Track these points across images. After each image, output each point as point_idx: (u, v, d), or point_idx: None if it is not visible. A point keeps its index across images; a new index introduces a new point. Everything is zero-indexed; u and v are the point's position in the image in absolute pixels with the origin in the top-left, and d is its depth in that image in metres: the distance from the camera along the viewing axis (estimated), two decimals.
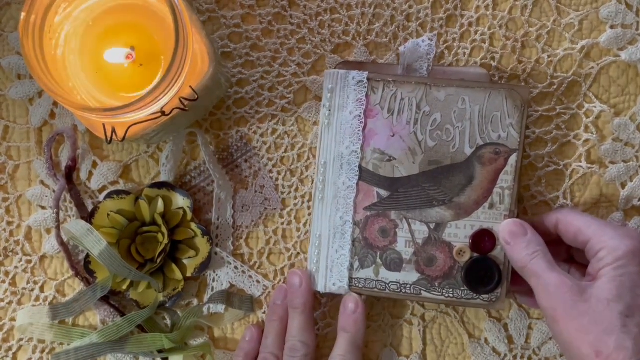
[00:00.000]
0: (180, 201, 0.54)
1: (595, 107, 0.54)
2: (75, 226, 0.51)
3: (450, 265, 0.51)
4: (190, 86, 0.46)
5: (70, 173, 0.54)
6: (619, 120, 0.54)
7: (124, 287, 0.53)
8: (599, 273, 0.45)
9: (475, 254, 0.51)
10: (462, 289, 0.51)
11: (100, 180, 0.55)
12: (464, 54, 0.54)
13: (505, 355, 0.55)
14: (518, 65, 0.54)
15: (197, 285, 0.55)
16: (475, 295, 0.51)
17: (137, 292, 0.54)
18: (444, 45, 0.54)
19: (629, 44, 0.54)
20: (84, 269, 0.54)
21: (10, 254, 0.55)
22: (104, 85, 0.47)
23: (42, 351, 0.55)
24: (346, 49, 0.55)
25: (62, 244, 0.54)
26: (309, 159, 0.55)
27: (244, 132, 0.55)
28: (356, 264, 0.52)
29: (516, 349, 0.55)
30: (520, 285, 0.51)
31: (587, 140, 0.54)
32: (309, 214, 0.55)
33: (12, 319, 0.55)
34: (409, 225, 0.51)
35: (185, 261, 0.54)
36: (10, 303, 0.55)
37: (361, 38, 0.55)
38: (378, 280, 0.52)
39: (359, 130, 0.52)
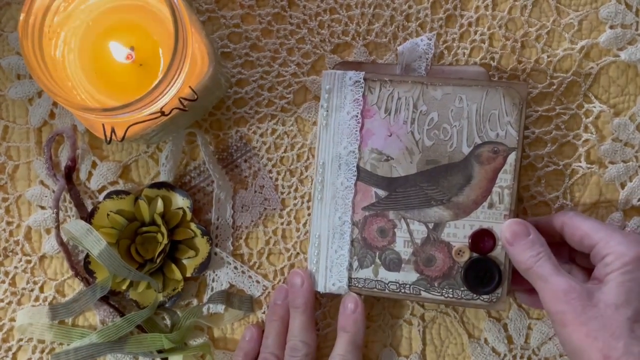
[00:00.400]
0: (180, 201, 0.54)
1: (594, 107, 0.54)
2: (74, 226, 0.51)
3: (449, 265, 0.51)
4: (190, 86, 0.46)
5: (69, 173, 0.54)
6: (619, 120, 0.54)
7: (124, 287, 0.53)
8: (605, 278, 0.45)
9: (475, 254, 0.51)
10: (462, 289, 0.51)
11: (100, 180, 0.55)
12: (464, 54, 0.54)
13: (505, 355, 0.55)
14: (517, 65, 0.54)
15: (196, 285, 0.55)
16: (475, 295, 0.51)
17: (137, 292, 0.54)
18: (444, 46, 0.54)
19: (628, 44, 0.54)
20: (84, 269, 0.54)
21: (10, 254, 0.55)
22: (104, 85, 0.47)
23: (42, 351, 0.55)
24: (346, 49, 0.55)
25: (61, 244, 0.54)
26: (308, 159, 0.55)
27: (244, 132, 0.55)
28: (355, 264, 0.52)
29: (516, 349, 0.55)
30: (520, 285, 0.51)
31: (586, 140, 0.54)
32: (309, 214, 0.55)
33: (12, 319, 0.55)
34: (408, 225, 0.51)
35: (184, 261, 0.54)
36: (9, 303, 0.55)
37: (361, 38, 0.55)
38: (377, 280, 0.52)
39: (356, 131, 0.52)
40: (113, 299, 0.55)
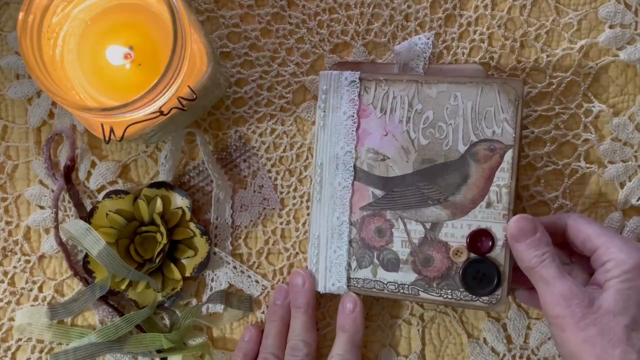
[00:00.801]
0: (179, 201, 0.54)
1: (594, 106, 0.54)
2: (74, 226, 0.51)
3: (447, 265, 0.51)
4: (189, 86, 0.46)
5: (68, 173, 0.54)
6: (618, 119, 0.54)
7: (123, 286, 0.53)
8: (605, 284, 0.45)
9: (473, 255, 0.50)
10: (461, 290, 0.50)
11: (99, 180, 0.55)
12: (463, 53, 0.54)
13: (504, 355, 0.55)
14: (517, 64, 0.54)
15: (195, 285, 0.55)
16: (474, 297, 0.50)
17: (136, 291, 0.54)
18: (443, 45, 0.54)
19: (627, 44, 0.54)
20: (83, 268, 0.54)
21: (9, 253, 0.55)
22: (102, 84, 0.47)
23: (41, 351, 0.55)
24: (345, 48, 0.55)
25: (60, 243, 0.54)
26: (307, 158, 0.55)
27: (243, 132, 0.55)
28: (354, 264, 0.52)
29: (515, 349, 0.55)
30: (521, 284, 0.51)
31: (585, 140, 0.54)
32: (308, 214, 0.55)
33: (11, 319, 0.55)
34: (405, 225, 0.51)
35: (184, 261, 0.54)
36: (8, 303, 0.55)
37: (360, 38, 0.55)
38: (376, 281, 0.52)
39: (352, 131, 0.52)
40: (112, 299, 0.55)
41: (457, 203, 0.50)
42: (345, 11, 0.54)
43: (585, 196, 0.54)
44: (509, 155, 0.50)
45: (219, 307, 0.55)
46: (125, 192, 0.54)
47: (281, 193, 0.55)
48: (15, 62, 0.55)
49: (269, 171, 0.55)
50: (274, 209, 0.55)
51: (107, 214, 0.53)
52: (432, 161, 0.51)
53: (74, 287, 0.55)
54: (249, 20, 0.55)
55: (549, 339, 0.55)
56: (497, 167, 0.50)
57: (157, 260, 0.52)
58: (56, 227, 0.54)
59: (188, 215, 0.54)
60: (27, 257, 0.55)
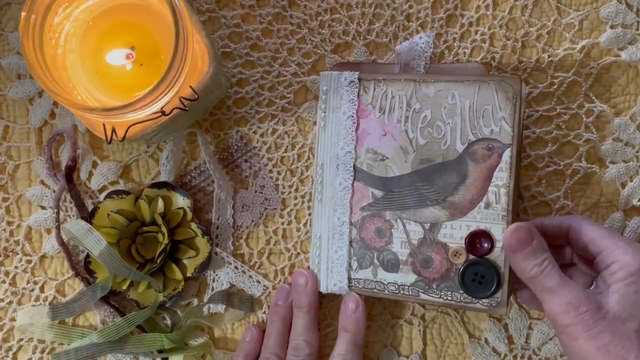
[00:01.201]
0: (181, 201, 0.54)
1: (595, 106, 0.54)
2: (75, 226, 0.51)
3: (447, 267, 0.50)
4: (190, 86, 0.46)
5: (70, 173, 0.54)
6: (619, 120, 0.54)
7: (124, 287, 0.53)
8: (610, 288, 0.44)
9: (472, 256, 0.49)
10: (460, 292, 0.50)
11: (100, 180, 0.55)
12: (464, 53, 0.54)
13: (505, 355, 0.55)
14: (518, 65, 0.54)
15: (197, 285, 0.55)
16: (474, 299, 0.49)
17: (137, 292, 0.54)
18: (444, 45, 0.54)
19: (629, 44, 0.54)
20: (84, 269, 0.54)
21: (10, 253, 0.55)
22: (104, 85, 0.47)
23: (42, 351, 0.55)
24: (346, 48, 0.55)
25: (62, 244, 0.54)
26: (309, 158, 0.55)
27: (244, 132, 0.55)
28: (355, 265, 0.52)
29: (516, 349, 0.55)
30: (522, 284, 0.50)
31: (587, 140, 0.54)
32: (309, 214, 0.55)
33: (12, 319, 0.55)
34: (404, 225, 0.51)
35: (185, 261, 0.54)
36: (10, 303, 0.55)
37: (361, 38, 0.55)
38: (377, 281, 0.52)
39: (352, 131, 0.52)
40: (113, 299, 0.55)
41: (455, 203, 0.50)
42: (346, 11, 0.54)
43: (586, 196, 0.54)
44: (507, 155, 0.49)
45: (220, 308, 0.55)
46: (127, 192, 0.54)
47: (282, 193, 0.55)
48: (16, 62, 0.55)
49: (271, 171, 0.55)
50: (275, 209, 0.55)
51: (108, 214, 0.53)
52: (431, 161, 0.50)
53: (75, 287, 0.55)
54: (251, 21, 0.55)
55: (551, 339, 0.55)
56: (496, 166, 0.49)
57: (159, 261, 0.52)
58: (57, 228, 0.54)
59: (189, 215, 0.54)
60: (29, 258, 0.55)
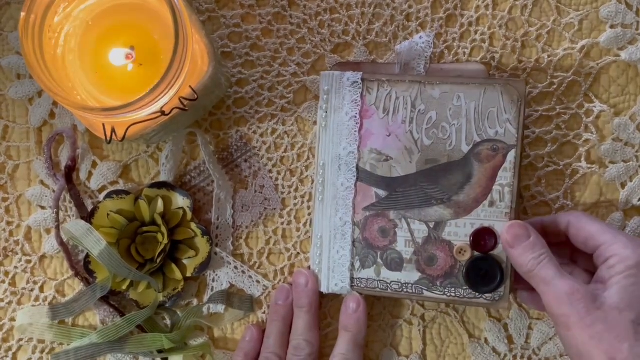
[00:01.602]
0: (180, 201, 0.54)
1: (595, 106, 0.54)
2: (75, 226, 0.51)
3: (451, 264, 0.51)
4: (190, 86, 0.46)
5: (69, 173, 0.54)
6: (619, 120, 0.54)
7: (124, 287, 0.53)
8: (609, 281, 0.45)
9: (477, 253, 0.51)
10: (464, 288, 0.51)
11: (100, 180, 0.55)
12: (464, 53, 0.54)
13: (505, 355, 0.55)
14: (518, 65, 0.54)
15: (196, 285, 0.55)
16: (477, 294, 0.51)
17: (137, 292, 0.54)
18: (444, 45, 0.54)
19: (629, 44, 0.54)
20: (84, 269, 0.54)
21: (10, 254, 0.55)
22: (104, 84, 0.47)
23: (42, 351, 0.55)
24: (346, 48, 0.55)
25: (61, 244, 0.54)
26: (308, 158, 0.55)
27: (244, 132, 0.55)
28: (357, 264, 0.52)
29: (516, 349, 0.55)
30: (522, 284, 0.51)
31: (587, 140, 0.54)
32: (309, 214, 0.55)
33: (12, 319, 0.55)
34: (408, 224, 0.51)
35: (185, 261, 0.54)
36: (10, 303, 0.55)
37: (361, 38, 0.55)
38: (380, 280, 0.52)
39: (355, 131, 0.52)
40: (113, 299, 0.55)
41: (460, 202, 0.51)
42: (346, 11, 0.54)
43: (586, 197, 0.54)
44: (511, 155, 0.50)
45: (220, 308, 0.55)
46: (127, 192, 0.54)
47: (282, 193, 0.55)
48: (16, 62, 0.55)
49: (270, 171, 0.55)
50: (275, 209, 0.55)
51: (108, 214, 0.53)
52: (436, 161, 0.51)
53: (75, 287, 0.55)
54: (250, 20, 0.55)
55: (551, 339, 0.55)
56: (500, 166, 0.50)
57: (158, 261, 0.52)
58: (57, 228, 0.54)
59: (189, 215, 0.54)
60: (28, 258, 0.55)
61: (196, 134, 0.55)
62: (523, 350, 0.55)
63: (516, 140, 0.50)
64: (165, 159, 0.55)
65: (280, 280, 0.55)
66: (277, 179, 0.55)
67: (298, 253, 0.55)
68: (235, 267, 0.55)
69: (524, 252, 0.47)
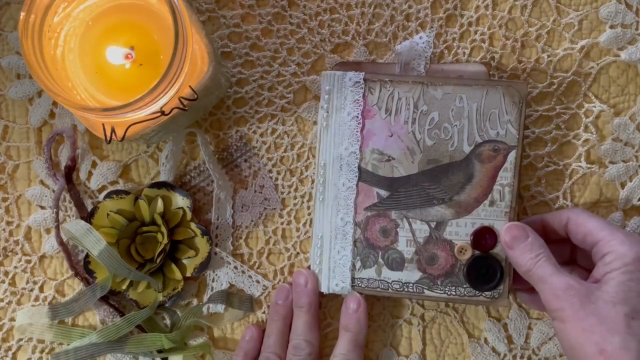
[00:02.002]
0: (180, 201, 0.54)
1: (594, 106, 0.54)
2: (74, 226, 0.51)
3: (451, 263, 0.51)
4: (190, 86, 0.46)
5: (69, 173, 0.54)
6: (619, 120, 0.54)
7: (124, 287, 0.53)
8: (605, 277, 0.45)
9: (477, 252, 0.51)
10: (465, 286, 0.51)
11: (100, 180, 0.55)
12: (464, 53, 0.54)
13: (505, 355, 0.55)
14: (518, 65, 0.54)
15: (196, 285, 0.55)
16: (477, 292, 0.51)
17: (137, 292, 0.54)
18: (444, 45, 0.54)
19: (628, 44, 0.54)
20: (84, 268, 0.54)
21: (10, 253, 0.55)
22: (104, 84, 0.47)
23: (42, 351, 0.55)
24: (346, 48, 0.55)
25: (61, 243, 0.54)
26: (308, 158, 0.55)
27: (244, 132, 0.55)
28: (358, 264, 0.52)
29: (516, 349, 0.55)
30: (521, 284, 0.51)
31: (586, 140, 0.54)
32: (309, 214, 0.55)
33: (12, 319, 0.55)
34: (410, 224, 0.51)
35: (184, 261, 0.54)
36: (9, 303, 0.55)
37: (361, 38, 0.55)
38: (380, 280, 0.52)
39: (357, 131, 0.52)
40: (113, 299, 0.55)
41: (461, 202, 0.51)
42: (346, 11, 0.54)
43: (586, 196, 0.54)
44: (512, 156, 0.51)
45: (219, 307, 0.55)
46: (126, 192, 0.54)
47: (282, 193, 0.55)
48: (16, 62, 0.55)
49: (270, 171, 0.55)
50: (274, 209, 0.55)
51: (108, 214, 0.53)
52: (438, 162, 0.51)
53: (74, 287, 0.55)
54: (250, 20, 0.55)
55: (550, 339, 0.55)
56: (501, 167, 0.51)
57: (158, 261, 0.52)
58: (57, 227, 0.54)
59: (189, 215, 0.54)
60: (28, 257, 0.55)
61: (196, 134, 0.55)
62: (522, 350, 0.55)
63: (517, 141, 0.51)
64: (165, 159, 0.55)
65: (279, 280, 0.55)
66: (277, 179, 0.55)
67: (298, 253, 0.55)
68: (235, 267, 0.55)
69: (522, 253, 0.48)
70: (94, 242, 0.50)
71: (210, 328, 0.55)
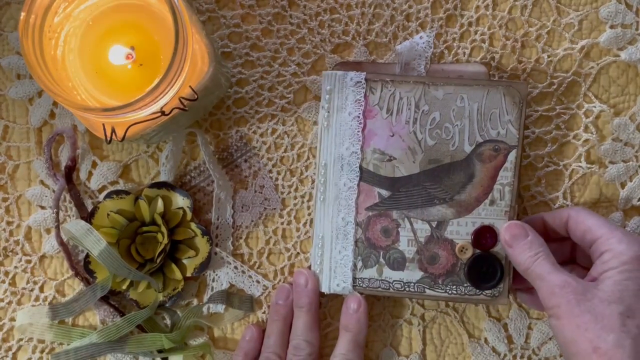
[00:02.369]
0: (180, 201, 0.54)
1: (594, 107, 0.54)
2: (74, 226, 0.51)
3: (452, 262, 0.51)
4: (190, 86, 0.46)
5: (69, 173, 0.54)
6: (619, 120, 0.54)
7: (124, 287, 0.53)
8: (602, 275, 0.45)
9: (477, 251, 0.51)
10: (465, 285, 0.52)
11: (100, 180, 0.55)
12: (464, 53, 0.54)
13: (505, 355, 0.55)
14: (518, 65, 0.54)
15: (196, 285, 0.55)
16: (477, 291, 0.51)
17: (137, 292, 0.54)
18: (444, 45, 0.54)
19: (628, 44, 0.54)
20: (84, 268, 0.54)
21: (10, 253, 0.55)
22: (104, 85, 0.47)
23: (42, 351, 0.55)
24: (346, 48, 0.55)
25: (61, 243, 0.54)
26: (308, 158, 0.55)
27: (244, 132, 0.55)
28: (359, 264, 0.52)
29: (516, 349, 0.55)
30: (521, 284, 0.51)
31: (586, 140, 0.54)
32: (309, 214, 0.55)
33: (12, 319, 0.55)
34: (411, 224, 0.52)
35: (185, 261, 0.54)
36: (10, 303, 0.55)
37: (361, 38, 0.55)
38: (382, 280, 0.52)
39: (358, 131, 0.52)
40: (113, 299, 0.55)
41: (462, 202, 0.51)
42: (346, 11, 0.54)
43: (586, 197, 0.54)
44: (512, 155, 0.51)
45: (220, 307, 0.55)
46: (127, 192, 0.54)
47: (282, 193, 0.55)
48: (16, 62, 0.55)
49: (270, 171, 0.55)
50: (274, 209, 0.55)
51: (108, 214, 0.53)
52: (439, 161, 0.51)
53: (75, 287, 0.55)
54: (250, 21, 0.55)
55: (550, 339, 0.55)
56: (501, 166, 0.51)
57: (158, 261, 0.52)
58: (57, 227, 0.54)
59: (189, 215, 0.54)
60: (28, 257, 0.55)
61: (196, 134, 0.55)
62: (523, 350, 0.55)
63: (517, 141, 0.51)
64: (165, 159, 0.55)
65: (280, 280, 0.55)
66: (277, 179, 0.55)
67: (298, 253, 0.55)
68: (235, 267, 0.55)
69: (521, 251, 0.48)
70: (94, 242, 0.50)
71: (211, 328, 0.55)
